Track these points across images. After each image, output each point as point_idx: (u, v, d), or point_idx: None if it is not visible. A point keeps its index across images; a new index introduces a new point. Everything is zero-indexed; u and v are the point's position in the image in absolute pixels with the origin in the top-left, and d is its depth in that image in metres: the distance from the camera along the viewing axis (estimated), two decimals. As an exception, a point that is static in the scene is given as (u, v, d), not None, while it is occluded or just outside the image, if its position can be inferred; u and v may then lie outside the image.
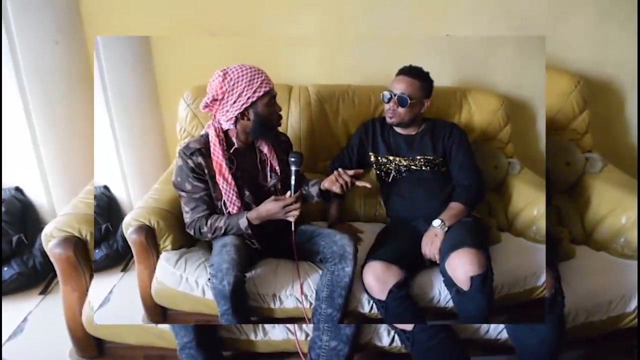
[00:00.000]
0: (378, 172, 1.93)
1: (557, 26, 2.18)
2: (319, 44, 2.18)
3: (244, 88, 1.52)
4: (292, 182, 1.58)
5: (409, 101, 1.79)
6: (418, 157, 1.86)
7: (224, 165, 1.57)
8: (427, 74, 1.83)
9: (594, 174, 2.11)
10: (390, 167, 1.89)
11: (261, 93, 1.54)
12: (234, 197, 1.59)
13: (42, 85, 2.08)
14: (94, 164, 2.00)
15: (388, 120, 1.85)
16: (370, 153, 1.93)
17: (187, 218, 1.61)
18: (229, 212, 1.60)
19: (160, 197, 1.77)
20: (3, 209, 2.10)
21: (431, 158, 1.86)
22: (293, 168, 1.58)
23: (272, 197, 1.57)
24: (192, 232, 1.62)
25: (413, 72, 1.81)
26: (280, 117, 1.63)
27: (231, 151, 1.60)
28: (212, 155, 1.57)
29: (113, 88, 2.11)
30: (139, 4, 2.07)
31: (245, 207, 1.62)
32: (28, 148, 2.11)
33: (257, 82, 1.53)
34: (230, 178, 1.57)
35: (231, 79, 1.52)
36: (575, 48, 2.21)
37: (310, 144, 2.06)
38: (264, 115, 1.57)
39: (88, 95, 2.12)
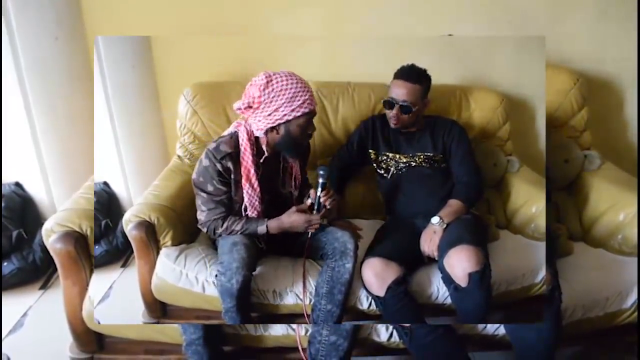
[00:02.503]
0: (378, 169, 1.94)
1: (556, 24, 2.18)
2: (319, 42, 2.17)
3: (282, 104, 1.44)
4: (319, 193, 1.55)
5: (412, 109, 1.78)
6: (418, 154, 1.86)
7: (252, 171, 1.53)
8: (426, 73, 1.80)
9: (593, 171, 2.11)
10: (390, 165, 1.90)
11: (299, 114, 1.46)
12: (257, 203, 1.56)
13: (42, 80, 2.08)
14: (93, 159, 2.00)
15: (392, 125, 1.84)
16: (370, 151, 1.93)
17: (201, 216, 1.58)
18: (247, 215, 1.58)
19: (160, 194, 1.77)
20: (3, 204, 2.10)
21: (431, 155, 1.86)
22: (320, 180, 1.55)
23: (295, 208, 1.54)
24: (204, 230, 1.61)
25: (413, 76, 1.77)
26: (310, 136, 1.57)
27: (261, 161, 1.55)
28: (241, 159, 1.52)
29: (113, 85, 2.11)
30: (139, 3, 2.07)
31: (264, 212, 1.60)
32: (28, 143, 2.11)
33: (298, 101, 1.45)
34: (256, 184, 1.54)
35: (273, 89, 1.43)
36: (575, 45, 2.21)
37: (309, 141, 2.06)
38: (294, 135, 1.51)
39: (88, 91, 2.12)
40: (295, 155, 1.63)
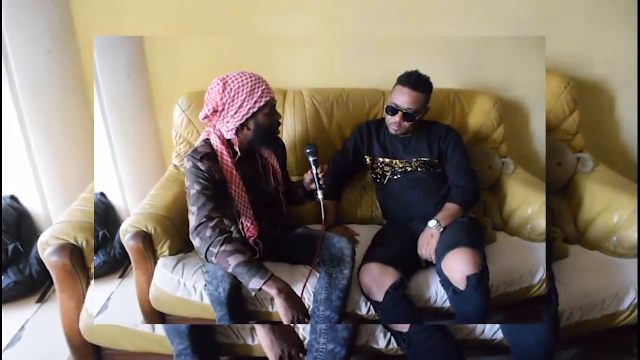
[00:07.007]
0: (373, 175, 1.94)
1: (546, 27, 2.19)
2: (313, 47, 2.18)
3: (244, 99, 1.48)
4: (316, 171, 1.59)
5: (415, 117, 1.79)
6: (414, 159, 1.87)
7: (234, 172, 1.54)
8: (430, 81, 1.79)
9: (586, 173, 2.13)
10: (386, 170, 1.90)
11: (262, 103, 1.50)
12: (246, 205, 1.57)
13: (36, 93, 2.08)
14: (88, 171, 2.00)
15: (392, 131, 1.85)
16: (366, 156, 1.94)
17: (192, 220, 1.47)
18: (244, 233, 1.57)
19: (156, 203, 1.77)
20: (-2, 217, 2.10)
21: (427, 160, 1.87)
22: (311, 158, 1.60)
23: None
24: (195, 240, 1.45)
25: (419, 85, 1.76)
26: (279, 124, 1.61)
27: (235, 160, 1.57)
28: (221, 163, 1.54)
29: (108, 95, 2.11)
30: (131, 11, 2.08)
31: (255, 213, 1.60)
32: (22, 156, 2.11)
33: (257, 92, 1.49)
34: (241, 184, 1.55)
35: (231, 89, 1.47)
36: (564, 49, 2.23)
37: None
38: (264, 125, 1.54)
39: (82, 103, 2.12)
40: (271, 145, 1.66)
